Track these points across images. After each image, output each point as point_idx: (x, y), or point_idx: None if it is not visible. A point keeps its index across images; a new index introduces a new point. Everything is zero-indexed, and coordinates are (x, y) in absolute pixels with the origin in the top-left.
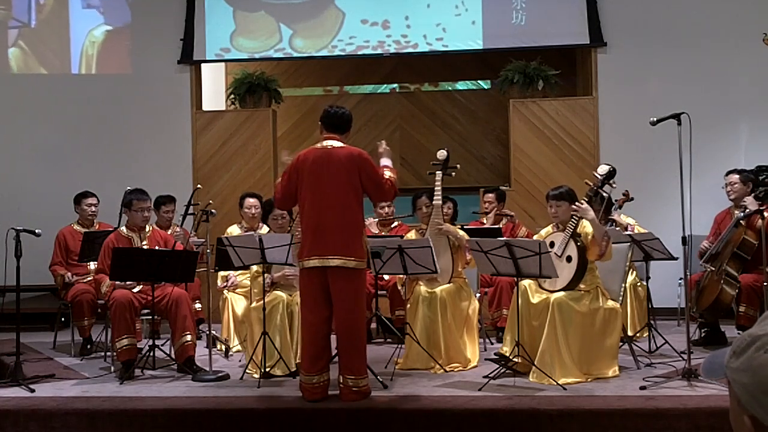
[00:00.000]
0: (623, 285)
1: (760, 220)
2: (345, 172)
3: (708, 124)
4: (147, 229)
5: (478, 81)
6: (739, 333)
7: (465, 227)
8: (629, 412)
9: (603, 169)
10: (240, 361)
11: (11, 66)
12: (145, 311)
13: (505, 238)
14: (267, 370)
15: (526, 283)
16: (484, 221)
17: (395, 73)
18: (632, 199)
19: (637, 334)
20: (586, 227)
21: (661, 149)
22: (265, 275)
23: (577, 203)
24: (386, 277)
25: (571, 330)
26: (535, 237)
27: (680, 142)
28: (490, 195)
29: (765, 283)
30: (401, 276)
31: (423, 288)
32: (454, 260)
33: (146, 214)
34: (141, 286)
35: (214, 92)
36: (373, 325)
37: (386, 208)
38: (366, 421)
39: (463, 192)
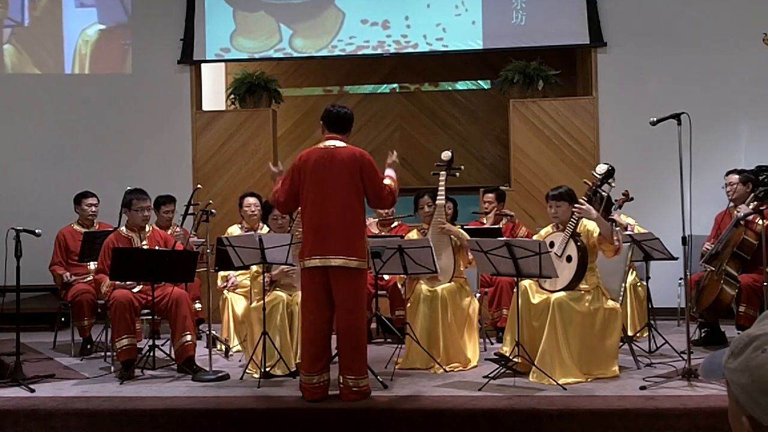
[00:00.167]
0: (623, 285)
1: (759, 221)
2: (347, 172)
3: (708, 124)
4: (147, 229)
5: (478, 81)
6: (739, 333)
7: (465, 227)
8: (629, 412)
9: (602, 169)
10: (240, 361)
11: (6, 65)
12: (145, 311)
13: (505, 238)
14: (267, 370)
15: (526, 283)
16: (484, 221)
17: (395, 73)
18: (632, 199)
19: (637, 334)
20: (587, 226)
21: (661, 149)
22: (265, 275)
23: (578, 205)
24: (386, 277)
25: (572, 330)
26: (534, 237)
27: (680, 142)
28: (490, 195)
29: (765, 283)
30: (402, 275)
31: (424, 286)
32: (456, 260)
33: (146, 214)
34: (141, 286)
35: (214, 92)
36: (373, 325)
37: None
38: (366, 421)
39: (463, 192)
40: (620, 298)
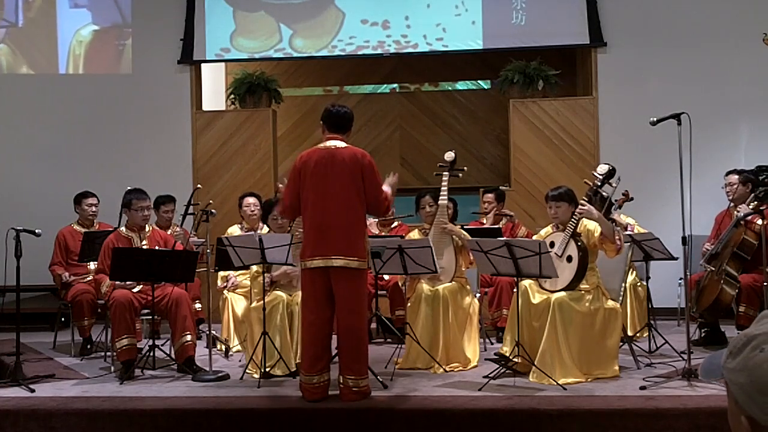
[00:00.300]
0: (623, 285)
1: (759, 221)
2: (348, 172)
3: (708, 124)
4: (147, 229)
5: (478, 81)
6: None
7: (465, 227)
8: (629, 412)
9: (602, 169)
10: (240, 361)
11: (1, 65)
12: (145, 311)
13: (505, 238)
14: (267, 370)
15: (526, 283)
16: (484, 221)
17: (395, 73)
18: (632, 199)
19: (637, 334)
20: (587, 226)
21: (661, 149)
22: (265, 275)
23: (579, 207)
24: (386, 277)
25: (572, 330)
26: (535, 237)
27: (680, 142)
28: (490, 195)
29: (765, 283)
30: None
31: (425, 286)
32: (457, 260)
33: (146, 214)
34: (141, 286)
35: (214, 92)
36: (373, 325)
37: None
38: (366, 421)
39: (463, 192)
40: (620, 298)
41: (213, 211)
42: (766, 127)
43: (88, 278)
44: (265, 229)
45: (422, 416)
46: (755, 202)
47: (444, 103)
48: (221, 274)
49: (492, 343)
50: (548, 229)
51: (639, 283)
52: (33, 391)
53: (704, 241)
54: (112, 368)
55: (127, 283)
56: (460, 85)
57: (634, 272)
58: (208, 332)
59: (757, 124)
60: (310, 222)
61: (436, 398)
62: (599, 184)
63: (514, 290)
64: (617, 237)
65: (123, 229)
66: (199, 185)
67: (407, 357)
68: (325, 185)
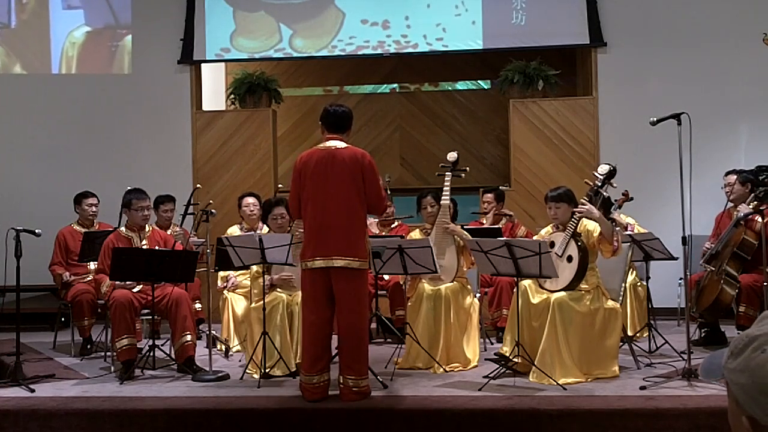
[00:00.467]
0: (623, 285)
1: (759, 220)
2: (349, 173)
3: (708, 124)
4: (147, 229)
5: (478, 81)
6: (739, 333)
7: (465, 227)
8: (629, 412)
9: (603, 169)
10: (240, 361)
11: None
12: (145, 311)
13: (505, 238)
14: (267, 370)
15: (526, 283)
16: (484, 221)
17: (395, 73)
18: (632, 198)
19: (637, 334)
20: (587, 226)
21: (661, 149)
22: (265, 277)
23: (579, 206)
24: (386, 277)
25: (572, 330)
26: (535, 237)
27: (680, 142)
28: (489, 195)
29: (765, 283)
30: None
31: (427, 286)
32: (459, 260)
33: (146, 213)
34: (141, 286)
35: (214, 92)
36: (373, 325)
37: (387, 208)
38: (366, 421)
39: (463, 192)
40: (620, 298)
41: (213, 211)
42: (766, 127)
43: (88, 278)
44: (265, 229)
45: (422, 416)
46: (755, 202)
47: (444, 103)
48: (221, 274)
49: (492, 343)
50: (548, 229)
51: (639, 283)
52: (33, 391)
53: (704, 242)
54: (112, 368)
55: (127, 283)
56: (460, 85)
57: (634, 272)
58: (208, 332)
59: (757, 124)
60: (310, 222)
61: (436, 398)
62: (600, 184)
63: (514, 290)
64: (615, 238)
65: (123, 229)
66: (198, 185)
67: (407, 357)
68: (325, 186)
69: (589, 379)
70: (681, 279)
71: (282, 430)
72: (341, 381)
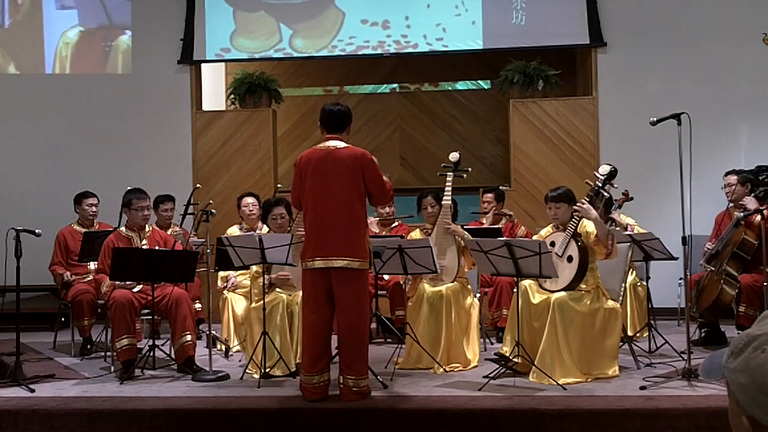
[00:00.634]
0: (623, 285)
1: (758, 218)
2: (349, 172)
3: (708, 124)
4: (147, 229)
5: (478, 81)
6: (739, 333)
7: (464, 227)
8: (629, 412)
9: (604, 169)
10: (240, 361)
11: None
12: (145, 311)
13: (505, 238)
14: (267, 370)
15: (526, 283)
16: (484, 221)
17: (395, 73)
18: (632, 198)
19: (637, 334)
20: (587, 227)
21: (661, 149)
22: (265, 276)
23: (578, 204)
24: (386, 277)
25: (572, 330)
26: (535, 237)
27: (680, 142)
28: (489, 195)
29: (765, 283)
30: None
31: (427, 286)
32: (460, 260)
33: (146, 213)
34: (141, 286)
35: (214, 92)
36: (373, 325)
37: (387, 208)
38: (366, 421)
39: (463, 192)
40: (620, 298)
41: (213, 211)
42: (766, 127)
43: (89, 278)
44: (265, 229)
45: (422, 416)
46: (755, 201)
47: (444, 103)
48: (221, 274)
49: (492, 343)
50: (548, 229)
51: (639, 283)
52: (33, 391)
53: (705, 242)
54: (112, 368)
55: (127, 283)
56: (460, 85)
57: (634, 272)
58: (208, 332)
59: (757, 124)
60: (310, 222)
61: (436, 398)
62: (600, 184)
63: (514, 290)
64: (610, 242)
65: (123, 229)
66: (198, 185)
67: (407, 357)
68: (325, 186)
69: (589, 379)
70: (681, 279)
71: (282, 430)
72: (341, 381)
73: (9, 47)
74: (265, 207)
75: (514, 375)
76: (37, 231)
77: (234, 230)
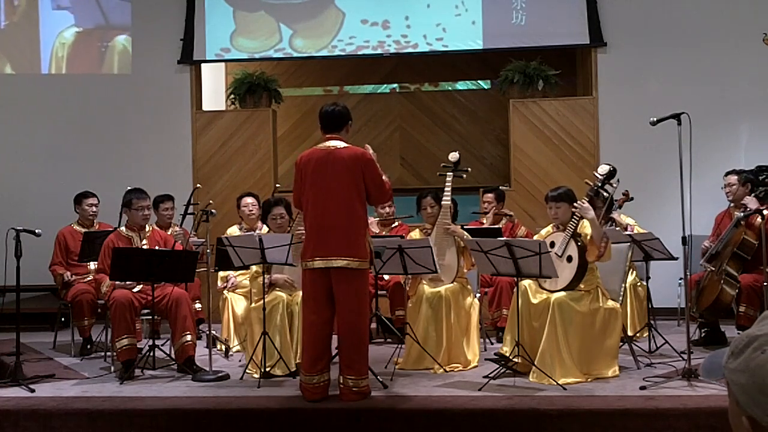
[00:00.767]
0: (623, 285)
1: (759, 219)
2: (348, 172)
3: (708, 124)
4: (147, 229)
5: (478, 81)
6: (739, 333)
7: (465, 227)
8: (629, 412)
9: (603, 169)
10: (240, 361)
11: None
12: (145, 311)
13: (505, 238)
14: (267, 370)
15: (526, 283)
16: (484, 221)
17: (395, 73)
18: (632, 199)
19: (637, 334)
20: (585, 227)
21: (661, 149)
22: (265, 276)
23: (577, 202)
24: (386, 277)
25: (571, 330)
26: (535, 237)
27: (680, 142)
28: (489, 195)
29: (765, 283)
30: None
31: (427, 287)
32: (460, 260)
33: (146, 213)
34: (141, 286)
35: (214, 92)
36: (373, 325)
37: (387, 208)
38: (366, 421)
39: (463, 192)
40: (620, 298)
41: (213, 211)
42: (766, 127)
43: (89, 278)
44: (265, 229)
45: (422, 416)
46: (756, 201)
47: (444, 103)
48: (221, 274)
49: (492, 343)
50: (548, 229)
51: (639, 283)
52: (33, 391)
53: (704, 241)
54: (112, 368)
55: (127, 283)
56: (460, 85)
57: (634, 272)
58: (208, 332)
59: (757, 124)
60: (310, 222)
61: (436, 398)
62: (600, 184)
63: (514, 290)
64: (603, 244)
65: (123, 228)
66: (199, 185)
67: (407, 357)
68: (325, 186)
69: (589, 379)
70: (681, 279)
71: (282, 430)
72: (341, 381)
73: (5, 48)
74: (265, 207)
75: (514, 375)
76: (37, 231)
77: (234, 230)
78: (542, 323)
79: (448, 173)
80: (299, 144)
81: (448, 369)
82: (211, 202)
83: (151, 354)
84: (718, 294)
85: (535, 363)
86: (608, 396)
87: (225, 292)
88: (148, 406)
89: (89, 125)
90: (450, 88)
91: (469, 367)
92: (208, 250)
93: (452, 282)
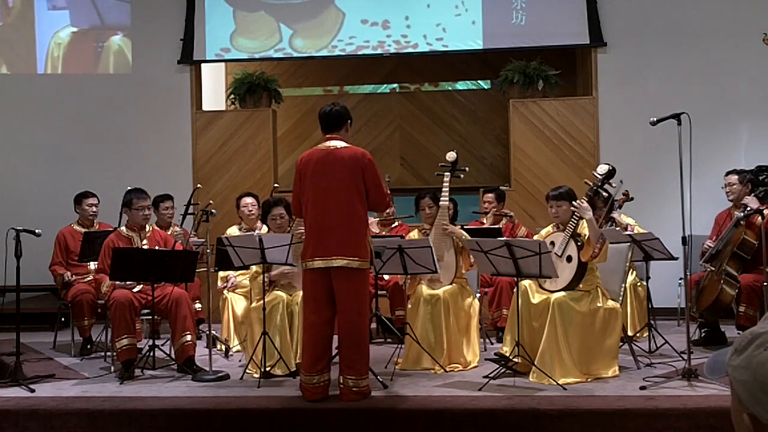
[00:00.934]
0: (623, 285)
1: (759, 219)
2: (348, 172)
3: (708, 124)
4: (147, 229)
5: (478, 81)
6: (739, 333)
7: (465, 227)
8: (629, 412)
9: (602, 169)
10: (240, 361)
11: None
12: (145, 311)
13: (505, 238)
14: (267, 370)
15: (526, 283)
16: (484, 221)
17: (395, 73)
18: (632, 199)
19: (637, 334)
20: (585, 227)
21: (661, 149)
22: (264, 275)
23: (576, 201)
24: (386, 277)
25: (571, 330)
26: (535, 237)
27: (680, 142)
28: (490, 195)
29: (765, 283)
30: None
31: (425, 289)
32: (458, 261)
33: (146, 213)
34: (141, 286)
35: (214, 92)
36: (373, 325)
37: (389, 204)
38: (366, 421)
39: (463, 192)
40: (620, 298)
41: (213, 211)
42: (766, 127)
43: (89, 278)
44: (264, 229)
45: (422, 416)
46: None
47: (444, 103)
48: (221, 274)
49: (492, 343)
50: (549, 229)
51: (639, 283)
52: (33, 391)
53: (704, 240)
54: (112, 368)
55: (127, 283)
56: (460, 85)
57: (634, 272)
58: (208, 332)
59: (757, 124)
60: (310, 222)
61: (436, 398)
62: (599, 184)
63: (514, 290)
64: (598, 246)
65: (123, 228)
66: (199, 185)
67: (407, 357)
68: (325, 185)
69: (589, 379)
70: (681, 279)
71: (282, 430)
72: (341, 381)
73: (0, 48)
74: (265, 207)
75: (514, 375)
76: (37, 231)
77: (233, 230)
78: (542, 323)
79: (445, 173)
80: (299, 144)
81: (448, 369)
82: (211, 202)
83: (151, 354)
84: (718, 294)
85: (535, 363)
86: (608, 396)
87: (225, 292)
88: (148, 406)
89: (90, 125)
90: (450, 88)
91: (469, 367)
92: (208, 250)
93: (451, 283)
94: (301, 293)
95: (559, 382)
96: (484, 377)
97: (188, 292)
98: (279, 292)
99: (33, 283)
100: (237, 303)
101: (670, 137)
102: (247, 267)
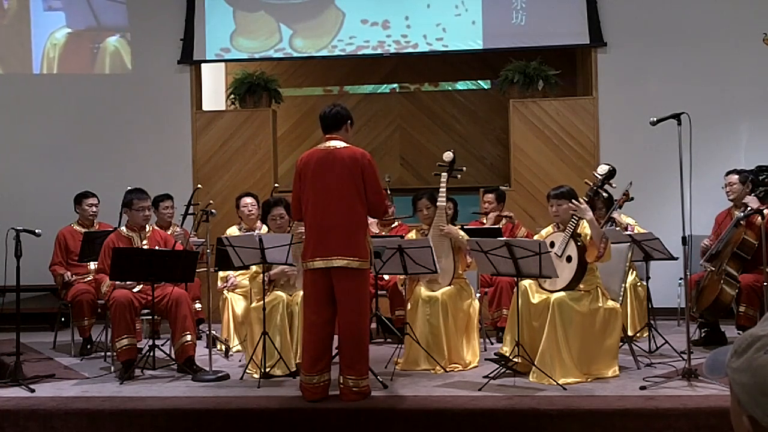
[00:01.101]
0: (623, 285)
1: (759, 219)
2: (348, 172)
3: (708, 124)
4: (147, 229)
5: (478, 81)
6: (739, 333)
7: (465, 227)
8: (629, 412)
9: (603, 169)
10: (240, 361)
11: None
12: (145, 311)
13: (505, 238)
14: (267, 370)
15: (526, 283)
16: (484, 221)
17: (395, 73)
18: (632, 199)
19: (637, 334)
20: (585, 227)
21: (661, 149)
22: (264, 274)
23: (575, 201)
24: (386, 277)
25: (571, 330)
26: (535, 237)
27: (680, 142)
28: (490, 195)
29: (765, 283)
30: (401, 275)
31: (423, 291)
32: (456, 262)
33: (147, 213)
34: (141, 286)
35: (214, 92)
36: (373, 325)
37: (387, 209)
38: (366, 421)
39: (463, 192)
40: (620, 298)
41: (213, 211)
42: (766, 127)
43: (89, 278)
44: (264, 229)
45: (422, 416)
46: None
47: (444, 103)
48: (221, 274)
49: (492, 343)
50: (549, 229)
51: (639, 283)
52: (33, 391)
53: (704, 240)
54: (112, 368)
55: (127, 283)
56: (460, 85)
57: (634, 272)
58: (208, 332)
59: (757, 124)
60: (310, 222)
61: (436, 398)
62: (599, 184)
63: (514, 290)
64: (602, 245)
65: (123, 228)
66: (199, 185)
67: (407, 357)
68: (325, 186)
69: (589, 379)
70: (681, 279)
71: (282, 430)
72: (341, 381)
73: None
74: (265, 207)
75: (514, 375)
76: (37, 231)
77: (233, 230)
78: (542, 323)
79: (442, 173)
80: (299, 144)
81: (448, 369)
82: (211, 202)
83: (151, 354)
84: (718, 294)
85: (535, 363)
86: (608, 396)
87: (225, 292)
88: (148, 406)
89: (90, 125)
90: (450, 88)
91: (469, 368)
92: (208, 250)
93: (449, 284)
94: (301, 293)
95: (559, 382)
96: (484, 377)
97: (188, 292)
98: (279, 292)
99: (33, 283)
100: (237, 303)
101: (670, 137)
102: (247, 267)
